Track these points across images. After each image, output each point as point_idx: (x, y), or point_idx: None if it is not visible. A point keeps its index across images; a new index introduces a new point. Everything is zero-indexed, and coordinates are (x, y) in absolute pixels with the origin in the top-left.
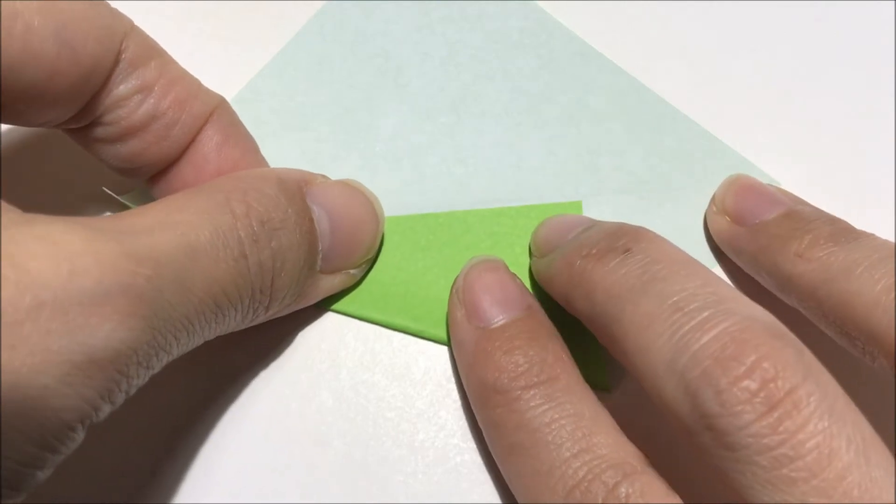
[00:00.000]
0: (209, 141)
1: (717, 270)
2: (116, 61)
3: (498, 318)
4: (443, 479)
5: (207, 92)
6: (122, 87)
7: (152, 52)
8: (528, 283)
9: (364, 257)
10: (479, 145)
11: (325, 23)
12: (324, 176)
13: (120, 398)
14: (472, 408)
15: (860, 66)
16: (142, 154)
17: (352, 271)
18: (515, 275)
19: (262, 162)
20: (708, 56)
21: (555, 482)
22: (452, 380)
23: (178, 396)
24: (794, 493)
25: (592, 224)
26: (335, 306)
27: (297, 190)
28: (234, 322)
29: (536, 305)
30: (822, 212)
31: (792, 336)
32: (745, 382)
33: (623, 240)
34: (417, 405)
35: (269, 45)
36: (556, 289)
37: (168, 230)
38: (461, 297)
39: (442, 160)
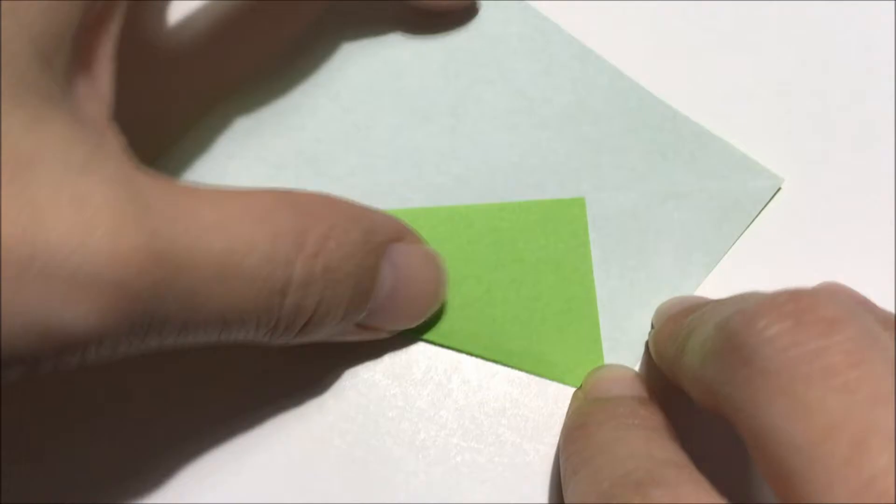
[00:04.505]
0: None
1: (718, 269)
2: None
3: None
4: (443, 479)
5: None
6: None
7: None
8: (522, 273)
9: (403, 327)
10: (478, 146)
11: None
12: (414, 232)
13: (70, 365)
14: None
15: (860, 65)
16: None
17: (383, 333)
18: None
19: None
20: (708, 56)
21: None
22: (453, 379)
23: (176, 397)
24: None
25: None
26: None
27: (380, 246)
28: (238, 338)
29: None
30: None
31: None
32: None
33: None
34: (418, 404)
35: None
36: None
37: (217, 238)
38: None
39: (441, 160)
